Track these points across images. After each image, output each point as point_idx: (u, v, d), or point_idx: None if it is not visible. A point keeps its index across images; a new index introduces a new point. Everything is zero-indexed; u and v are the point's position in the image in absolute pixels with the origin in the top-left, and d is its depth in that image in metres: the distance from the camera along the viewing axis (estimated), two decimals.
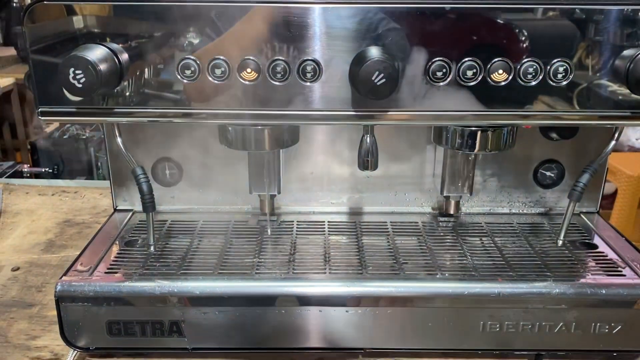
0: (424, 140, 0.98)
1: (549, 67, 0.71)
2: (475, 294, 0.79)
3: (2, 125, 2.85)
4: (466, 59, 0.71)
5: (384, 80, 0.66)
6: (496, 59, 0.71)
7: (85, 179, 2.45)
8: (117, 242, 0.91)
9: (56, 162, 2.71)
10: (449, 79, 0.72)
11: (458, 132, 0.80)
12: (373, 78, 0.66)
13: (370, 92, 0.67)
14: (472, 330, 0.80)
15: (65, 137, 2.80)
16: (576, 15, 0.70)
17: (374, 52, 0.69)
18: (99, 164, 2.71)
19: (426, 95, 0.73)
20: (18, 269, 1.07)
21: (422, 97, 0.73)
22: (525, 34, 0.71)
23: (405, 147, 0.98)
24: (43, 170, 2.58)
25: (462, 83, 0.72)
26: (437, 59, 0.71)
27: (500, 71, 0.71)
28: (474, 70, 0.71)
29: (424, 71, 0.71)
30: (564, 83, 0.72)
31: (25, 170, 2.43)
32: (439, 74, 0.71)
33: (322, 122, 0.75)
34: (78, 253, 0.89)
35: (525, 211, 1.02)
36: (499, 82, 0.72)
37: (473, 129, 0.79)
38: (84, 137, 2.77)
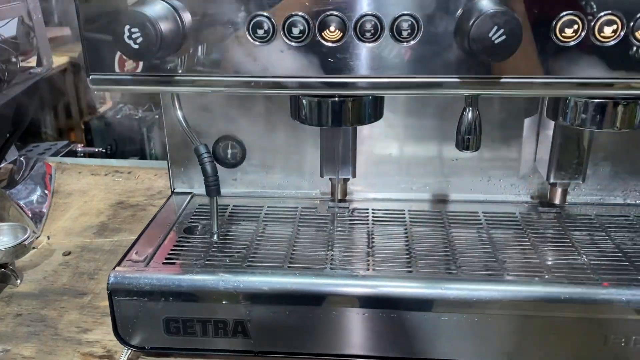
0: (523, 115, 0.84)
1: None
2: (597, 301, 0.65)
3: (57, 105, 2.85)
4: (604, 13, 0.57)
5: (504, 37, 0.53)
6: None
7: (139, 160, 2.41)
8: (175, 229, 0.82)
9: (109, 142, 2.68)
10: (580, 38, 0.58)
11: (581, 104, 0.66)
12: (490, 35, 0.53)
13: (486, 52, 0.54)
14: (592, 344, 0.67)
15: (118, 116, 2.77)
16: None
17: (488, 3, 0.56)
18: (152, 144, 2.67)
19: (550, 59, 0.59)
20: (69, 253, 1.00)
21: (544, 60, 0.59)
22: None
23: (501, 125, 0.84)
24: (97, 150, 2.56)
25: (598, 43, 0.58)
26: (566, 12, 0.57)
27: None
28: (614, 27, 0.57)
29: (550, 28, 0.58)
30: None
31: (79, 149, 2.40)
32: (569, 31, 0.57)
33: (418, 92, 0.62)
34: (132, 237, 0.81)
35: None
36: None
37: (603, 100, 0.64)
38: (137, 117, 2.73)
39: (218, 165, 0.89)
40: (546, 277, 0.69)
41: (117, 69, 0.64)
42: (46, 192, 1.22)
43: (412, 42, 0.59)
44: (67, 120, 2.93)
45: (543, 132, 0.81)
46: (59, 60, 2.69)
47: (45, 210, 1.15)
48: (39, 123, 2.66)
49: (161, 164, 1.35)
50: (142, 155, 2.67)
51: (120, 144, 2.67)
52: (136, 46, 0.56)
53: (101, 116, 2.85)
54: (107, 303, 0.72)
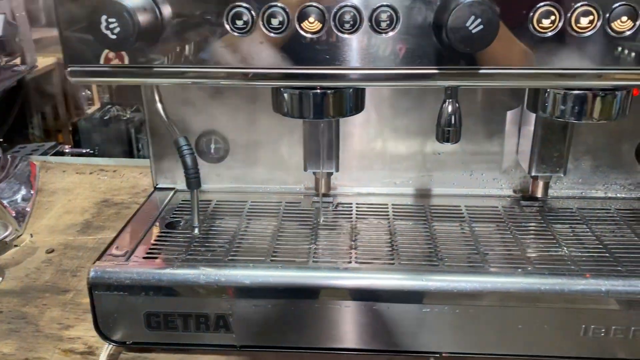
0: (506, 108, 0.84)
1: None
2: (577, 292, 0.66)
3: (45, 106, 2.83)
4: (580, 4, 0.57)
5: (481, 26, 0.53)
6: (619, 3, 0.57)
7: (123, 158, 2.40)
8: (157, 224, 0.81)
9: (97, 143, 2.66)
10: (558, 29, 0.58)
11: (561, 96, 0.66)
12: (467, 24, 0.53)
13: (464, 42, 0.54)
14: (571, 334, 0.67)
15: (106, 118, 2.75)
16: None
17: None
18: (140, 145, 2.65)
19: (529, 49, 0.59)
20: (53, 251, 0.99)
21: (523, 51, 0.59)
22: None
23: (483, 118, 0.84)
24: (84, 151, 2.54)
25: (575, 34, 0.58)
26: (543, 3, 0.57)
27: (624, 18, 0.57)
28: (591, 18, 0.57)
29: (528, 19, 0.58)
30: None
31: (67, 151, 2.39)
32: (546, 22, 0.58)
33: (398, 83, 0.62)
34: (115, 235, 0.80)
35: (623, 195, 0.88)
36: (622, 32, 0.58)
37: (582, 92, 0.65)
38: (125, 118, 2.72)
39: (202, 161, 0.89)
40: (528, 268, 0.69)
41: (102, 63, 0.63)
42: (31, 192, 1.21)
43: (391, 34, 0.60)
44: (54, 121, 2.92)
45: (525, 125, 0.82)
46: (47, 61, 2.67)
47: (29, 209, 1.14)
48: (26, 124, 2.64)
49: (146, 163, 1.34)
50: (131, 156, 2.66)
51: (108, 145, 2.66)
52: (114, 36, 0.56)
53: (89, 117, 2.83)
54: (89, 300, 0.71)
